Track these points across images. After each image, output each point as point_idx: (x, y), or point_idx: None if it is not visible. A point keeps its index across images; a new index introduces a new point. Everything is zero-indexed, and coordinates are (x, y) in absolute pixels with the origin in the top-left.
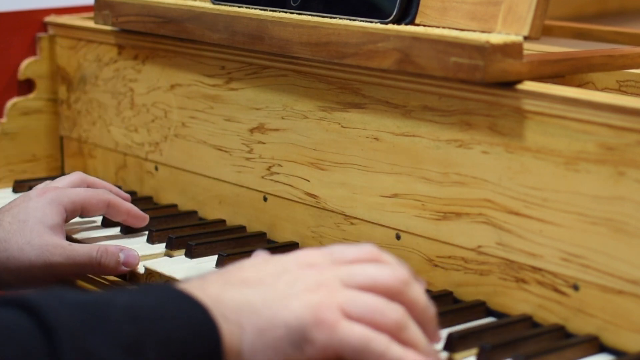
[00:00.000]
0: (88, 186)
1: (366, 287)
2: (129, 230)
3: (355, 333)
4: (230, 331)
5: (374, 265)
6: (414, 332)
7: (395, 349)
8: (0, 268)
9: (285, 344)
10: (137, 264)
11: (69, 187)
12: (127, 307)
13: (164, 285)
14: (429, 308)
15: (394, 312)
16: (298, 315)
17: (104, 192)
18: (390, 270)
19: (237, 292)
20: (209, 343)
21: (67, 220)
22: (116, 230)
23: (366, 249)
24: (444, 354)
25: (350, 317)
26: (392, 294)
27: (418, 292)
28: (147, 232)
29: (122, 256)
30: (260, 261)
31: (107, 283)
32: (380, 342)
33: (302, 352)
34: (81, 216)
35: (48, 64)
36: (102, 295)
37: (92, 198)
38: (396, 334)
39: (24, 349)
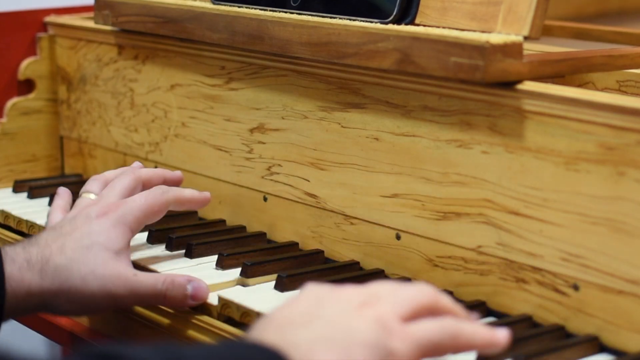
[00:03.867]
0: (144, 185)
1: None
2: None
3: (426, 327)
4: None
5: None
6: (448, 301)
7: (464, 323)
8: (62, 298)
9: None
10: (207, 297)
11: (125, 196)
12: (202, 356)
13: (240, 339)
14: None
15: (426, 290)
16: (370, 332)
17: (163, 192)
18: (415, 288)
19: (306, 331)
20: None
21: (133, 236)
22: None
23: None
24: None
25: (406, 318)
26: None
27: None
28: (147, 232)
29: (189, 288)
30: (304, 298)
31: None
32: (449, 322)
33: None
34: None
35: (48, 64)
36: (173, 345)
37: (154, 205)
38: (438, 310)
39: None
